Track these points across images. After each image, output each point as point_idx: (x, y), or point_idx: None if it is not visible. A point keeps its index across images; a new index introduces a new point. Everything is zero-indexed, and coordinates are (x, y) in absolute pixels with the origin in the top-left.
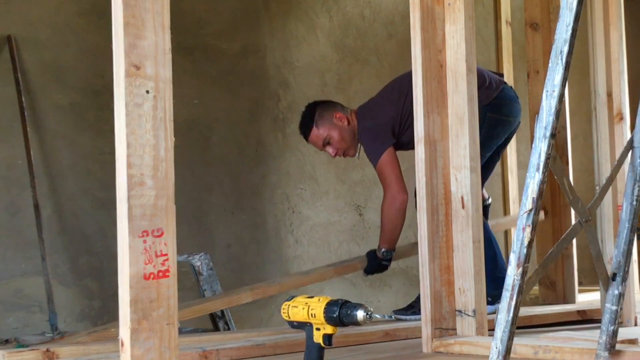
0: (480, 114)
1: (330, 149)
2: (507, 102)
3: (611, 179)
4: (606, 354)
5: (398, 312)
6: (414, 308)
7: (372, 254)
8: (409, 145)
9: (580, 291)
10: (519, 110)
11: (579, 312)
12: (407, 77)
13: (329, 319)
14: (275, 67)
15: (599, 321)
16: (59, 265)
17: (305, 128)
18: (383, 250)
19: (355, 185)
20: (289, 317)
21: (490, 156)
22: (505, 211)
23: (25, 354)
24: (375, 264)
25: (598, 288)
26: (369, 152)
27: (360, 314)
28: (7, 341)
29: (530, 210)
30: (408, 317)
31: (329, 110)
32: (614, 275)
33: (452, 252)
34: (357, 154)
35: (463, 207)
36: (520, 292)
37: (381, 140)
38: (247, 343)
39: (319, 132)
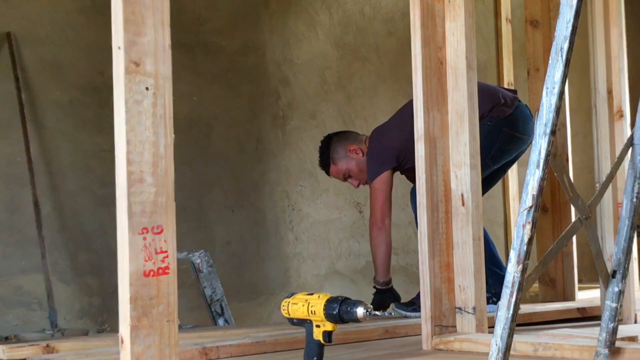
0: (497, 128)
1: (352, 182)
2: (523, 120)
3: (611, 177)
4: (606, 351)
5: (399, 305)
6: (414, 305)
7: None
8: (412, 171)
9: (580, 288)
10: (532, 129)
11: (578, 309)
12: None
13: (329, 316)
14: (275, 64)
15: (598, 318)
16: (58, 263)
17: (324, 165)
18: (376, 279)
19: None
20: (289, 314)
21: (495, 170)
22: (506, 208)
23: (25, 349)
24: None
25: (598, 285)
26: (368, 170)
27: (360, 311)
28: (7, 338)
29: (531, 207)
30: (408, 314)
31: (342, 145)
32: (614, 272)
33: (452, 250)
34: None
35: (463, 204)
36: (520, 289)
37: (381, 161)
38: (247, 340)
39: (337, 168)
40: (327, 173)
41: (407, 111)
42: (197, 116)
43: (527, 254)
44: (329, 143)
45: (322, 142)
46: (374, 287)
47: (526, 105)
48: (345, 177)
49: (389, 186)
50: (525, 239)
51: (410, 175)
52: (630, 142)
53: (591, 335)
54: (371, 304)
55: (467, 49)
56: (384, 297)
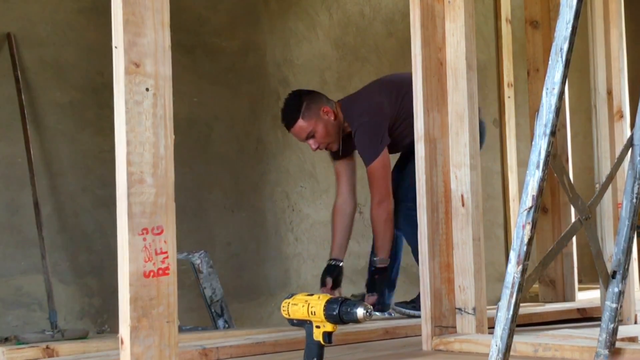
0: None
1: (312, 142)
2: (483, 132)
3: (611, 177)
4: (606, 351)
5: (399, 304)
6: (414, 303)
7: (369, 276)
8: (397, 147)
9: (580, 289)
10: (484, 140)
11: (579, 310)
12: (406, 80)
13: (329, 317)
14: (275, 65)
15: (599, 319)
16: (58, 263)
17: (290, 118)
18: (380, 258)
19: None
20: (289, 315)
21: None
22: (505, 209)
23: (25, 351)
24: (374, 277)
25: (598, 286)
26: (365, 147)
27: (360, 312)
28: (7, 339)
29: (530, 208)
30: (408, 311)
31: (316, 103)
32: (614, 273)
33: (452, 250)
34: (339, 148)
35: (463, 205)
36: (520, 290)
37: (379, 138)
38: (247, 341)
39: (304, 124)
40: (289, 127)
41: (393, 86)
42: (197, 117)
43: (527, 254)
44: (301, 97)
45: (291, 95)
46: (375, 267)
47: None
48: (309, 136)
49: (389, 163)
50: (525, 240)
51: (397, 148)
52: (630, 143)
53: (591, 336)
54: (371, 285)
55: (467, 49)
56: (384, 277)
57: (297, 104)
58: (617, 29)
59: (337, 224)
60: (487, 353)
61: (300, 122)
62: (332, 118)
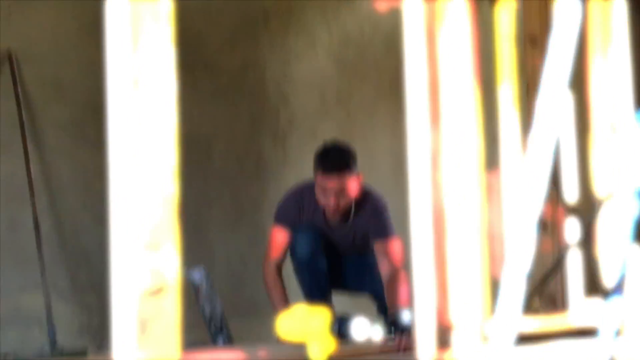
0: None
1: (337, 199)
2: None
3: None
4: None
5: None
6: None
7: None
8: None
9: (580, 304)
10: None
11: (578, 325)
12: None
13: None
14: (274, 82)
15: (598, 334)
16: (58, 281)
17: (345, 164)
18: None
19: None
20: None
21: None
22: None
23: None
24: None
25: (598, 301)
26: (389, 221)
27: (358, 328)
28: (5, 356)
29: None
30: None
31: (357, 167)
32: (614, 287)
33: (449, 261)
34: (348, 221)
35: None
36: (519, 306)
37: None
38: (246, 357)
39: (350, 179)
40: (338, 171)
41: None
42: (196, 134)
43: (527, 270)
44: (352, 152)
45: (340, 144)
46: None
47: None
48: (341, 191)
49: None
50: (525, 255)
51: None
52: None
53: (590, 351)
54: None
55: (465, 66)
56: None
57: (349, 156)
58: (617, 38)
59: (282, 289)
60: None
61: (349, 174)
62: (358, 187)
